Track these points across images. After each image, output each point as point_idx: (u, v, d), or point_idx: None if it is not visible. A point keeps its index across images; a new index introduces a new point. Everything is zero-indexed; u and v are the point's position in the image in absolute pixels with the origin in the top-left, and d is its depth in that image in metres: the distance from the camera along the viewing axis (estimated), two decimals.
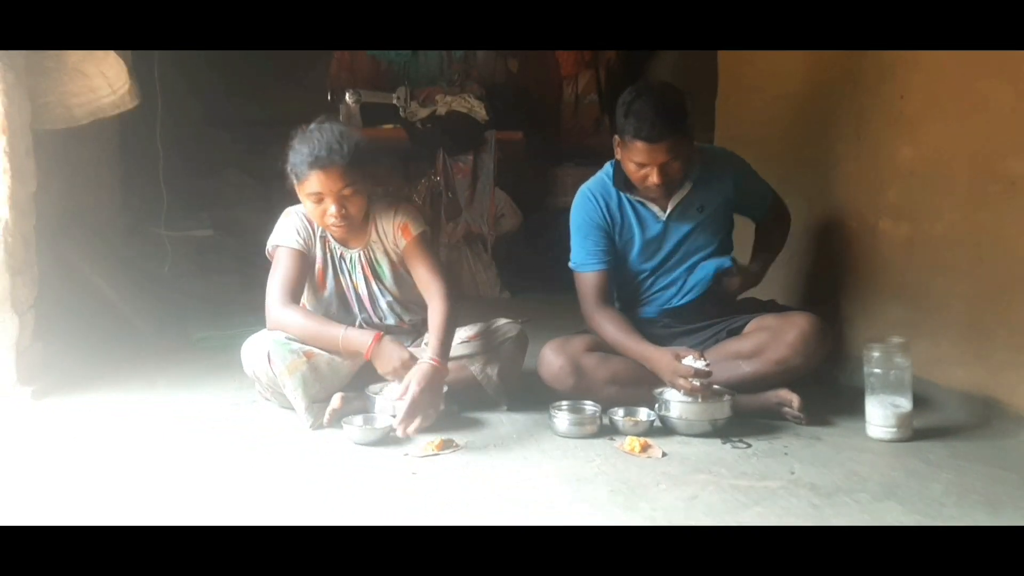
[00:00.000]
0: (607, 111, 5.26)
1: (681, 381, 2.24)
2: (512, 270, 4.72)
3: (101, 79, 2.70)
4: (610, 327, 2.43)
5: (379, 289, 2.47)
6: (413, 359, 2.23)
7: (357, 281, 2.46)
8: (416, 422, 2.13)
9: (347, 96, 4.59)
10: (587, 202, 2.51)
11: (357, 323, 2.45)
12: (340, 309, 2.46)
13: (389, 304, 2.48)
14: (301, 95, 4.80)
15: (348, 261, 2.45)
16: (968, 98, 2.43)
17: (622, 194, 2.48)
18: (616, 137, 2.41)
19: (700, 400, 2.24)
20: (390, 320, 2.49)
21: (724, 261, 2.48)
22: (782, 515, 1.70)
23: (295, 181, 2.30)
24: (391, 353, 2.23)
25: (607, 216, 2.49)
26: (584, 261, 2.49)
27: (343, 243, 2.44)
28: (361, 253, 2.45)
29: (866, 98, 2.86)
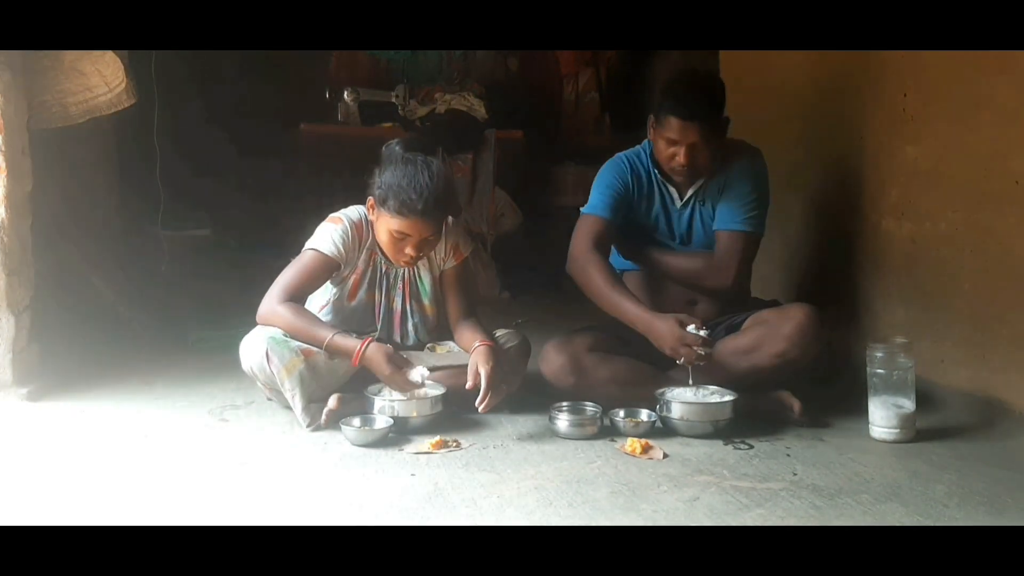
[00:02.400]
0: (608, 109, 5.25)
1: (684, 350, 2.21)
2: (512, 270, 4.70)
3: (98, 77, 2.68)
4: (597, 275, 2.38)
5: (412, 308, 2.48)
6: (403, 360, 2.23)
7: (395, 297, 2.46)
8: (491, 399, 2.18)
9: (346, 94, 4.57)
10: (618, 163, 2.56)
11: (375, 339, 2.43)
12: (361, 322, 2.45)
13: (415, 326, 2.49)
14: (299, 94, 4.79)
15: (391, 277, 2.45)
16: (971, 97, 2.41)
17: (652, 169, 2.53)
18: (651, 116, 2.45)
19: (702, 365, 2.24)
20: (410, 340, 2.50)
21: None
22: (784, 517, 1.69)
23: (382, 210, 2.29)
24: (380, 359, 2.20)
25: (632, 180, 2.53)
26: (594, 203, 2.51)
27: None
28: (405, 270, 2.46)
29: (868, 97, 2.85)
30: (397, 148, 2.35)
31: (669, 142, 2.40)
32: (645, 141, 2.56)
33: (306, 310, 2.37)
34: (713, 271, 2.48)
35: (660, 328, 2.26)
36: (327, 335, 2.24)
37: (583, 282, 2.41)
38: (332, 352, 2.25)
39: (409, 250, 2.30)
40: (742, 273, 2.51)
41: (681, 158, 2.39)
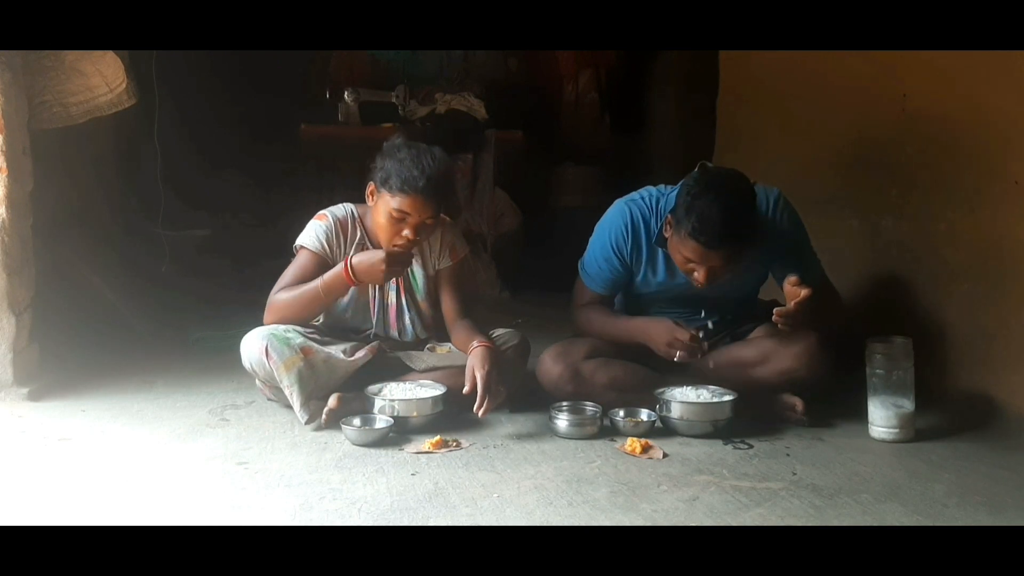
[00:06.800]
0: (608, 110, 5.25)
1: (679, 344, 2.23)
2: (512, 270, 4.70)
3: (98, 78, 2.69)
4: (596, 318, 2.44)
5: (407, 302, 2.48)
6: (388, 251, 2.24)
7: (388, 291, 2.47)
8: (488, 403, 2.19)
9: (346, 94, 4.57)
10: (621, 230, 2.36)
11: (370, 335, 2.47)
12: (355, 317, 2.46)
13: (411, 320, 2.49)
14: (299, 94, 4.79)
15: None
16: (971, 97, 2.41)
17: (659, 248, 2.35)
18: (669, 215, 2.23)
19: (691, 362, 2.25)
20: (408, 336, 2.50)
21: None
22: (784, 516, 1.69)
23: (383, 191, 2.30)
24: (367, 257, 2.24)
25: (633, 252, 2.37)
26: (592, 276, 2.45)
27: None
28: None
29: (868, 97, 2.85)
30: (399, 140, 2.38)
31: (686, 259, 2.18)
32: (659, 196, 2.35)
33: (294, 285, 2.35)
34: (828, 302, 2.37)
35: (653, 328, 2.29)
36: (317, 283, 2.28)
37: (588, 331, 2.45)
38: (327, 292, 2.28)
39: (407, 232, 2.29)
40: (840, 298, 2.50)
41: (700, 277, 2.18)
